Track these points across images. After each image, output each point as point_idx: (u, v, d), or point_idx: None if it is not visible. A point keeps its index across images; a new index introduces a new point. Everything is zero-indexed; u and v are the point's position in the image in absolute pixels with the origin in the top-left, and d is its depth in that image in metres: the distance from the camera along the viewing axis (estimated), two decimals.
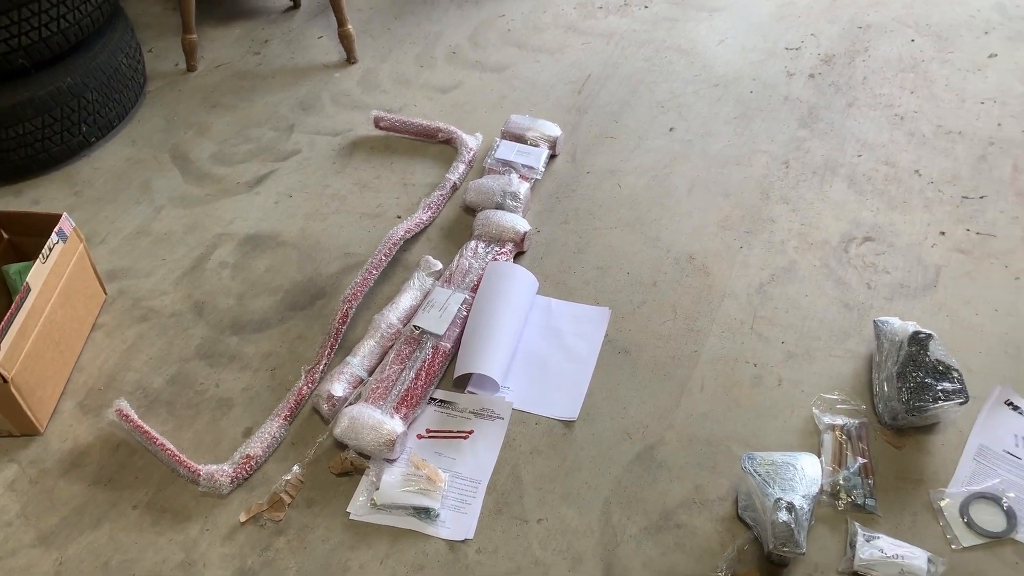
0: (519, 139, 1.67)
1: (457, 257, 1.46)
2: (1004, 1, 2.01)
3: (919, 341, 1.23)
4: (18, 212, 1.43)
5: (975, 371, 1.30)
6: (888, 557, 1.07)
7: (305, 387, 1.29)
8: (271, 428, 1.24)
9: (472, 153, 1.68)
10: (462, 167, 1.64)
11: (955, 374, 1.20)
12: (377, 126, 1.75)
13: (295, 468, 1.20)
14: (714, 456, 1.21)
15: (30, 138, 1.64)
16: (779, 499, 1.04)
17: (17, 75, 1.62)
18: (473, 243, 1.48)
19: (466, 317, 1.35)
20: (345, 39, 1.94)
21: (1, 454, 1.26)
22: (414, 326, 1.32)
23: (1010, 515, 1.13)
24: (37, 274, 1.26)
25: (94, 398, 1.32)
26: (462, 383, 1.30)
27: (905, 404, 1.18)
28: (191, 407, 1.31)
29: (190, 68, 1.99)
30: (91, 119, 1.72)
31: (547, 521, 1.15)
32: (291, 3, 2.19)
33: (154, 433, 1.23)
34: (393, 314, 1.36)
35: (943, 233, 1.51)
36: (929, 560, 1.07)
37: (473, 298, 1.37)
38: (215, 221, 1.61)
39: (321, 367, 1.31)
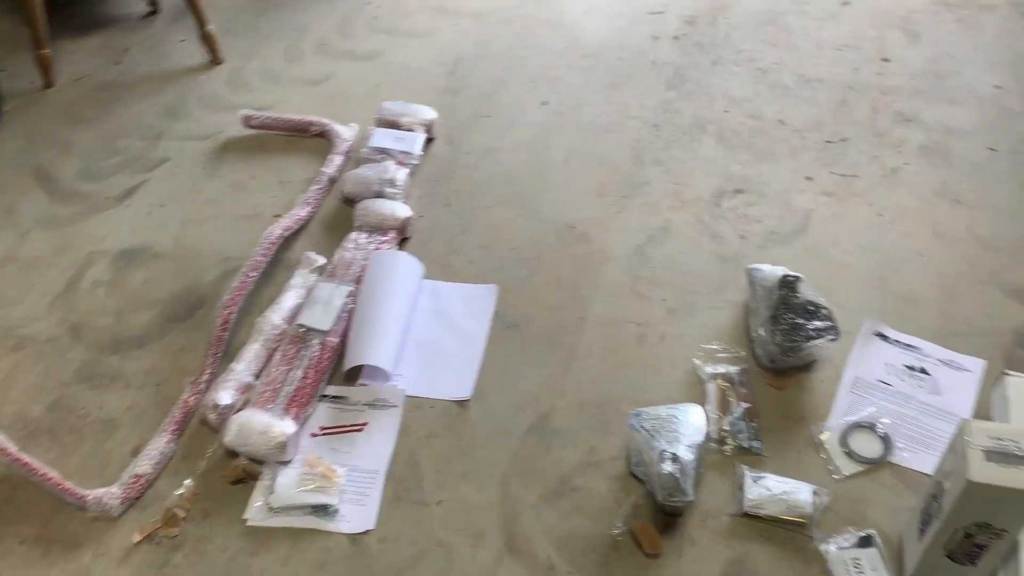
0: (394, 125, 1.66)
1: (339, 250, 1.44)
2: None
3: (789, 284, 1.27)
4: None
5: (846, 307, 1.35)
6: (775, 495, 1.11)
7: (191, 399, 1.27)
8: (159, 444, 1.21)
9: (348, 144, 1.66)
10: (338, 159, 1.63)
11: (824, 312, 1.25)
12: (248, 125, 1.72)
13: (187, 481, 1.18)
14: (605, 417, 1.24)
15: None
16: (663, 451, 1.07)
17: None
18: (354, 235, 1.47)
19: (352, 310, 1.34)
20: (208, 40, 1.89)
21: None
22: (299, 324, 1.31)
23: (886, 441, 1.19)
24: None
25: None
26: (353, 376, 1.30)
27: (780, 346, 1.23)
28: (74, 432, 1.27)
29: (47, 84, 1.91)
30: None
31: (447, 502, 1.16)
32: (149, 8, 2.12)
33: (34, 464, 1.19)
34: (276, 315, 1.34)
35: (809, 178, 1.57)
36: (813, 492, 1.12)
37: (358, 290, 1.36)
38: (86, 239, 1.56)
39: (206, 377, 1.29)
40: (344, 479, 1.18)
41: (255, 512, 1.15)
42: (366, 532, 1.13)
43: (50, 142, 1.78)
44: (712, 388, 1.25)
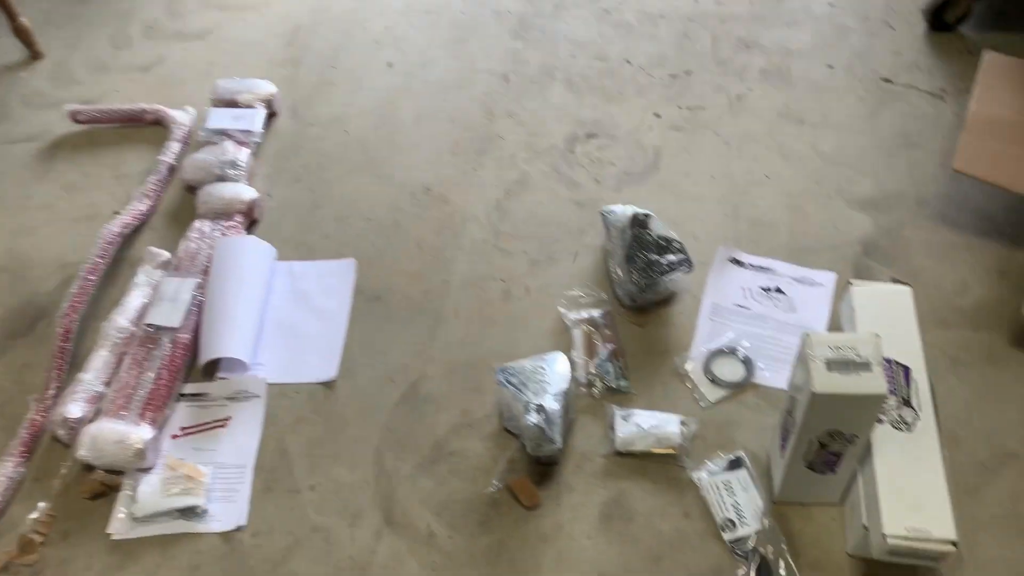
0: (232, 104, 1.58)
1: (183, 241, 1.37)
2: None
3: (640, 222, 1.28)
4: None
5: (701, 238, 1.37)
6: (644, 430, 1.13)
7: (38, 417, 1.19)
8: (6, 470, 1.14)
9: (185, 129, 1.57)
10: (176, 146, 1.54)
11: (676, 245, 1.26)
12: (76, 121, 1.61)
13: (41, 504, 1.11)
14: (476, 377, 1.23)
15: None
16: (528, 403, 1.07)
17: None
18: (198, 223, 1.40)
19: (202, 303, 1.28)
20: (21, 34, 1.76)
21: None
22: (147, 325, 1.24)
23: (747, 363, 1.22)
24: None
25: None
26: (211, 371, 1.24)
27: (637, 284, 1.24)
28: None
29: None
30: None
31: (320, 486, 1.13)
32: None
33: None
34: (122, 317, 1.27)
35: (658, 115, 1.58)
36: (681, 423, 1.14)
37: (206, 281, 1.30)
38: None
39: (52, 392, 1.21)
40: (210, 478, 1.13)
41: (119, 525, 1.10)
42: (238, 528, 1.09)
43: None
44: (578, 334, 1.25)
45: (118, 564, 1.07)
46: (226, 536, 1.09)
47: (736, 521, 1.06)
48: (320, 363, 1.25)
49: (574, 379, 1.18)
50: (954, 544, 0.91)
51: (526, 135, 1.56)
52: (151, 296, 1.30)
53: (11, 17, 1.74)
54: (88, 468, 1.14)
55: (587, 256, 1.36)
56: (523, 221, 1.42)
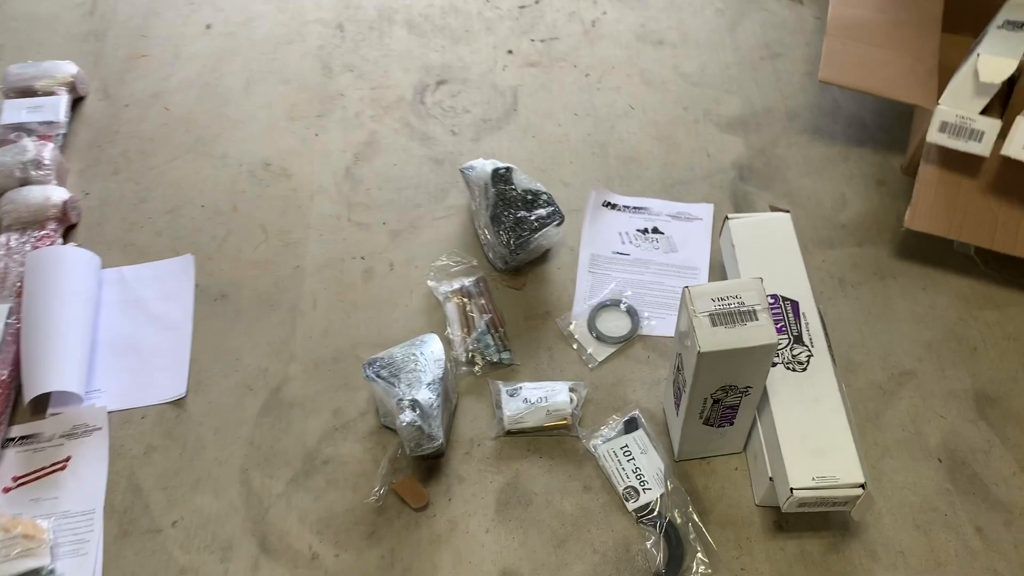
0: (28, 93, 1.38)
1: None
2: None
3: (501, 177, 1.17)
4: None
5: (571, 184, 1.28)
6: (533, 404, 1.04)
7: None
8: None
9: None
10: None
11: (544, 197, 1.17)
12: None
13: None
14: (345, 372, 1.11)
15: None
16: (400, 400, 0.97)
17: None
18: (3, 237, 1.21)
19: (19, 330, 1.11)
20: None
21: None
22: None
23: (632, 314, 1.14)
24: None
25: None
26: (40, 408, 1.09)
27: (507, 246, 1.14)
28: None
29: None
30: None
31: (184, 520, 1.00)
32: None
33: None
34: None
35: (511, 52, 1.46)
36: (570, 389, 1.06)
37: (20, 305, 1.13)
38: None
39: None
40: (53, 532, 0.99)
41: None
42: None
43: None
44: (451, 308, 1.15)
45: None
46: None
47: (639, 488, 0.99)
48: (166, 380, 1.11)
49: (452, 360, 1.09)
50: (863, 487, 0.87)
51: (370, 89, 1.41)
52: None
53: None
54: None
55: (453, 219, 1.25)
56: (377, 188, 1.29)
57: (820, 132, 1.33)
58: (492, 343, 1.11)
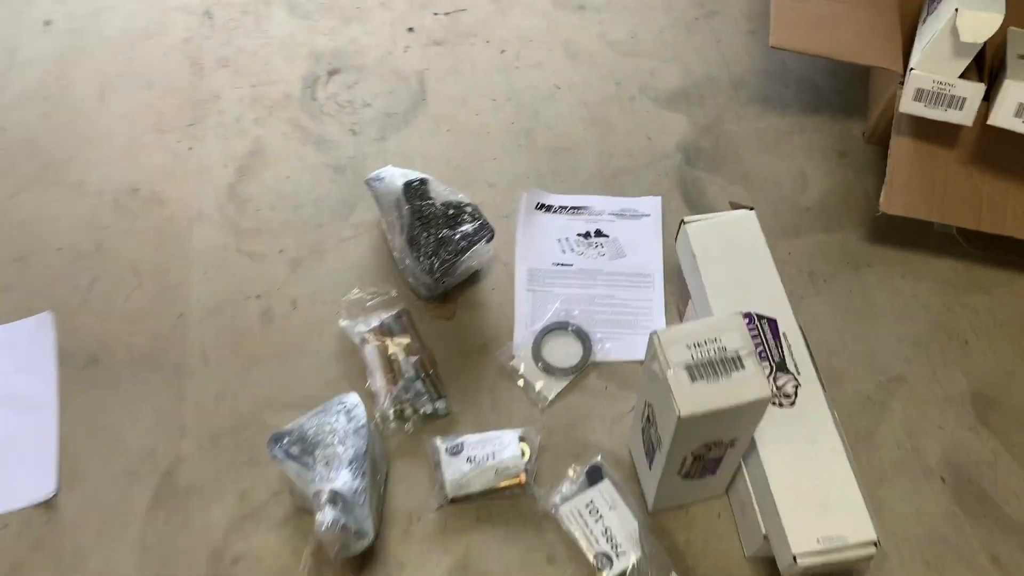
0: None
1: None
2: None
3: (416, 191, 0.99)
4: None
5: (496, 183, 1.10)
6: (479, 463, 0.88)
7: None
8: None
9: None
10: None
11: (469, 209, 0.99)
12: None
13: None
14: (249, 443, 0.93)
15: None
16: (317, 493, 0.79)
17: None
18: None
19: None
20: None
21: None
22: None
23: (582, 338, 0.98)
24: None
25: None
26: None
27: (430, 272, 0.96)
28: None
29: None
30: None
31: None
32: None
33: None
34: None
35: (411, 29, 1.26)
36: (521, 439, 0.90)
37: None
38: None
39: None
40: None
41: None
42: None
43: None
44: (371, 351, 0.97)
45: None
46: None
47: (611, 554, 0.85)
48: (30, 476, 0.91)
49: (377, 417, 0.91)
50: (876, 544, 0.74)
51: (250, 87, 1.20)
52: None
53: None
54: None
55: (363, 239, 1.06)
56: (269, 208, 1.09)
57: (770, 101, 1.18)
58: (423, 390, 0.94)
